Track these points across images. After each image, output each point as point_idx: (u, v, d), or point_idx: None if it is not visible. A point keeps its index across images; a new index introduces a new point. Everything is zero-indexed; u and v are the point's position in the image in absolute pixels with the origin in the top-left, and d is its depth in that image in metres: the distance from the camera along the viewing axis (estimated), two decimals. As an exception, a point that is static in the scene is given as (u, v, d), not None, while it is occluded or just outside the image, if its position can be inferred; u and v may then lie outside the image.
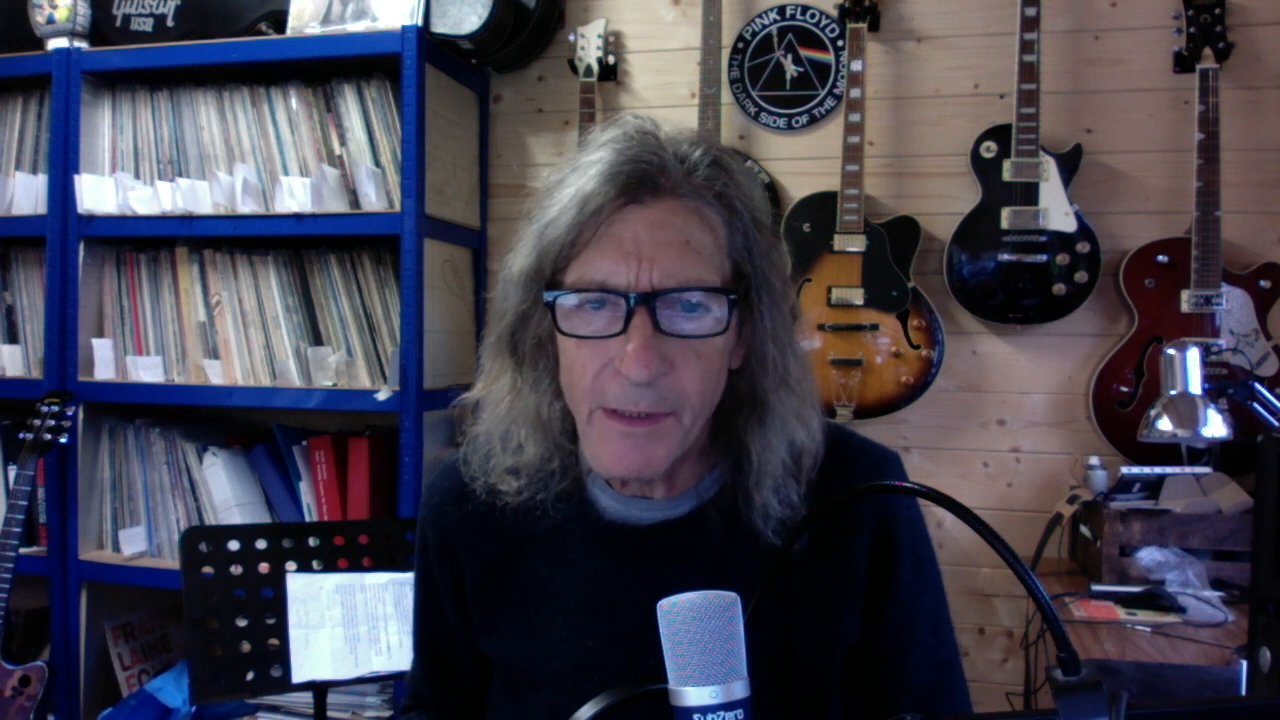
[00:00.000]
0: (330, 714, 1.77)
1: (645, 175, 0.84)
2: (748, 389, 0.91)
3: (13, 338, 2.55)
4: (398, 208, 2.24)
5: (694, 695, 0.61)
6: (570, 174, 0.87)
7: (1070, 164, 2.26)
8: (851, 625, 0.93)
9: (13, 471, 2.27)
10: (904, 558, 0.94)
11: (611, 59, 2.51)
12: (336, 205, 2.27)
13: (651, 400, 0.83)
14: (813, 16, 2.47)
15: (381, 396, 2.20)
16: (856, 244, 2.30)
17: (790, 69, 2.48)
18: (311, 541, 1.82)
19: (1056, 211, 2.24)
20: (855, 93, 2.31)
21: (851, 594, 0.93)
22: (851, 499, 0.92)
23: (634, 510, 0.95)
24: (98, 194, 2.37)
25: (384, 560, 1.85)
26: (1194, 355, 1.67)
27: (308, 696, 1.83)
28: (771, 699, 0.90)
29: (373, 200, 2.27)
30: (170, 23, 2.43)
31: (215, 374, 2.37)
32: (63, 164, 2.40)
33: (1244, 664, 1.46)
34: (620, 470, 0.87)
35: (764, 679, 0.90)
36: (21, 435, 2.27)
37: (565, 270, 0.86)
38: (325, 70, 2.34)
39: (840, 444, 0.97)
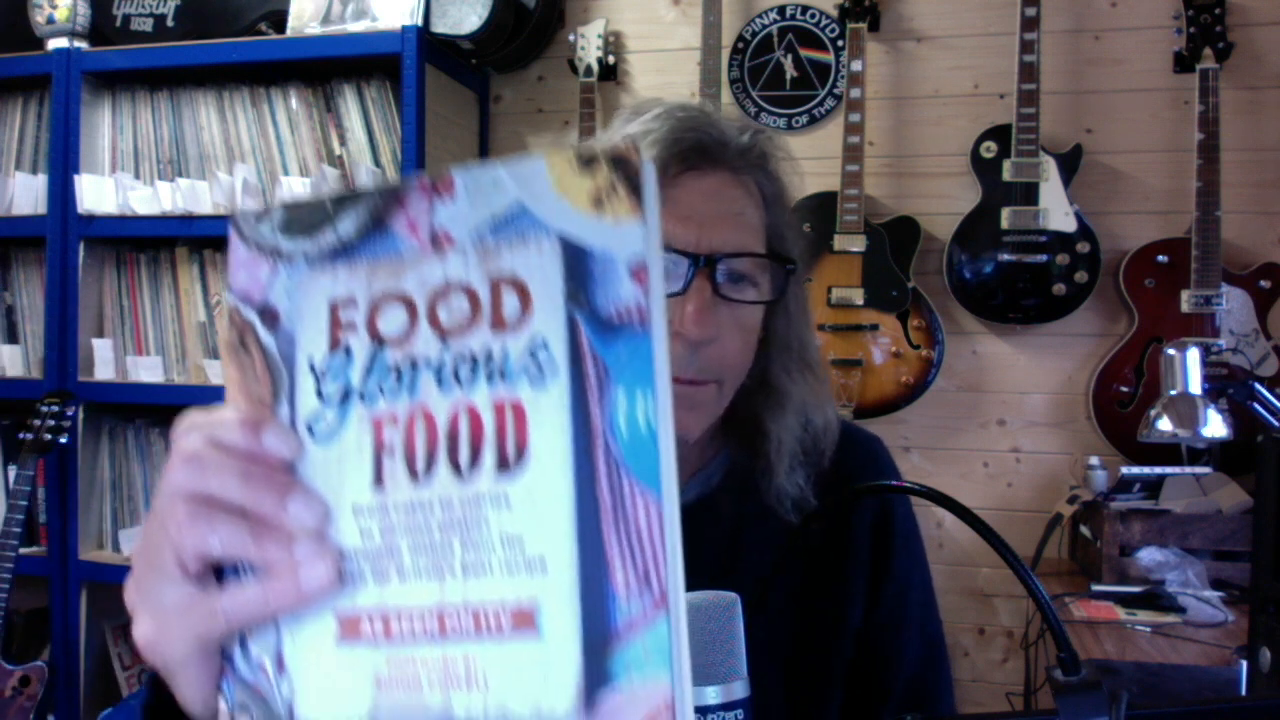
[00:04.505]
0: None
1: (706, 146, 0.85)
2: (769, 370, 0.92)
3: (13, 338, 2.55)
4: (398, 208, 2.24)
5: (694, 695, 0.61)
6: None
7: (1070, 164, 2.26)
8: (858, 606, 0.94)
9: (13, 471, 2.27)
10: (898, 535, 0.96)
11: (611, 59, 2.51)
12: (336, 205, 2.27)
13: (699, 366, 0.83)
14: (813, 16, 2.47)
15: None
16: (856, 244, 2.30)
17: (790, 69, 2.48)
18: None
19: (1056, 211, 2.24)
20: (855, 93, 2.31)
21: (858, 576, 0.94)
22: (856, 496, 0.93)
23: None
24: (98, 194, 2.37)
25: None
26: (1194, 355, 1.67)
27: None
28: (787, 687, 0.90)
29: (373, 200, 2.27)
30: (170, 23, 2.43)
31: (215, 374, 2.36)
32: (63, 164, 2.40)
33: (1244, 664, 1.46)
34: None
35: (780, 668, 0.90)
36: (21, 435, 2.27)
37: None
38: (325, 70, 2.34)
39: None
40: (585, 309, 0.42)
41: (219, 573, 0.46)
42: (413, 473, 0.44)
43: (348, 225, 0.46)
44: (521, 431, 0.42)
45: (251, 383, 0.47)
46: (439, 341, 0.44)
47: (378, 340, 0.45)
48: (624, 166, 0.42)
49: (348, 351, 0.46)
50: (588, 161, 0.42)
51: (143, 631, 0.46)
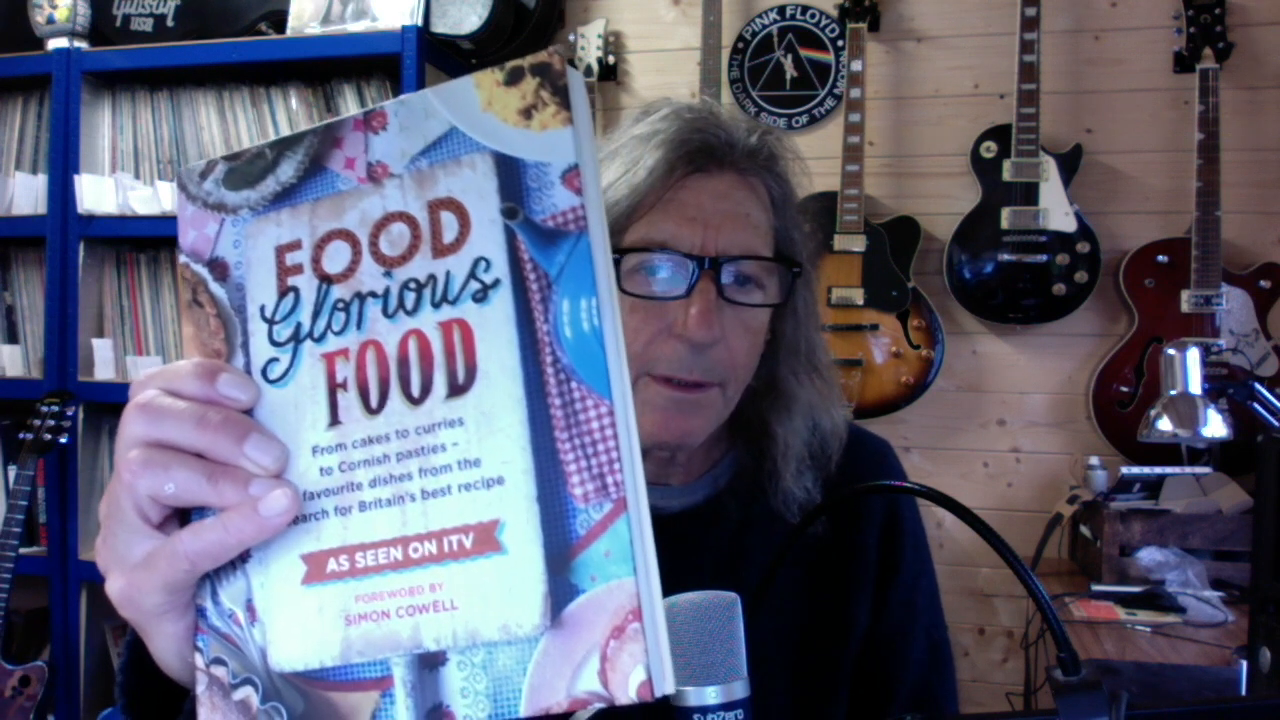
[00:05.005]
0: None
1: (712, 147, 0.84)
2: (776, 373, 0.92)
3: (13, 338, 2.55)
4: (398, 208, 2.24)
5: (694, 695, 0.61)
6: (625, 144, 0.87)
7: (1070, 164, 2.26)
8: (865, 610, 0.94)
9: (13, 471, 2.27)
10: (907, 539, 0.96)
11: (611, 59, 2.51)
12: (336, 205, 2.27)
13: (704, 368, 0.83)
14: (813, 16, 2.47)
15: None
16: (856, 244, 2.30)
17: (790, 69, 2.48)
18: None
19: (1056, 211, 2.24)
20: (855, 93, 2.31)
21: (866, 578, 0.94)
22: (858, 494, 0.93)
23: (651, 498, 0.94)
24: (98, 194, 2.37)
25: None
26: (1194, 355, 1.66)
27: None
28: (793, 688, 0.90)
29: (373, 200, 2.27)
30: (170, 23, 2.43)
31: (215, 374, 2.36)
32: (63, 164, 2.40)
33: (1244, 664, 1.46)
34: (664, 436, 0.85)
35: (786, 669, 0.90)
36: (21, 435, 2.27)
37: (623, 234, 0.84)
38: (325, 70, 2.34)
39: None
40: (522, 221, 0.42)
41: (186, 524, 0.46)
42: (367, 406, 0.44)
43: (287, 170, 0.47)
44: (470, 351, 0.42)
45: (207, 336, 0.48)
46: (383, 272, 0.45)
47: (324, 279, 0.46)
48: (549, 75, 0.42)
49: (296, 294, 0.46)
50: (514, 76, 0.43)
51: (115, 588, 0.46)
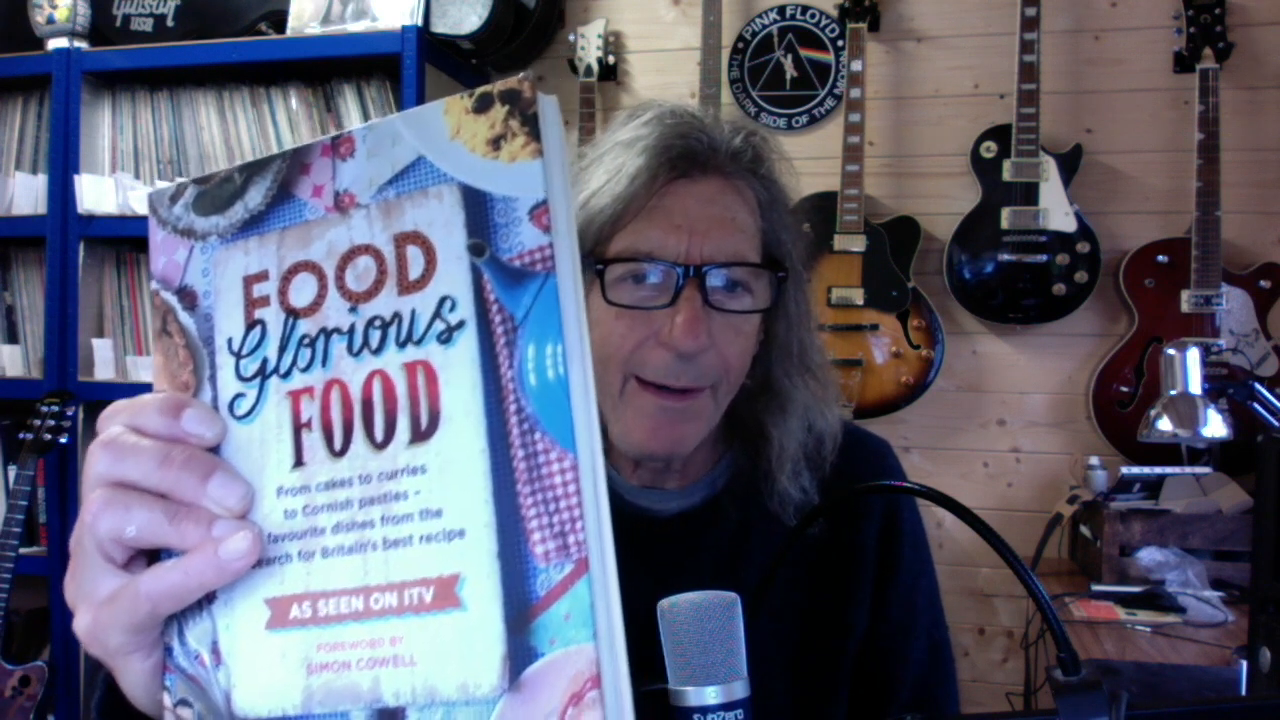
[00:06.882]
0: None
1: (695, 152, 0.84)
2: (770, 374, 0.91)
3: (13, 338, 2.55)
4: (398, 208, 2.24)
5: (694, 695, 0.61)
6: (609, 150, 0.86)
7: (1070, 164, 2.26)
8: (864, 610, 0.94)
9: (13, 471, 2.27)
10: (905, 540, 0.96)
11: (611, 59, 2.51)
12: (336, 205, 2.27)
13: (693, 375, 0.83)
14: (813, 16, 2.47)
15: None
16: (856, 244, 2.30)
17: (790, 69, 2.48)
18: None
19: (1056, 211, 2.24)
20: (855, 93, 2.31)
21: (865, 578, 0.94)
22: (858, 494, 0.93)
23: (647, 500, 0.94)
24: (98, 194, 2.37)
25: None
26: (1194, 355, 1.66)
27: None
28: (793, 688, 0.91)
29: (373, 200, 2.27)
30: (170, 23, 2.43)
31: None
32: (63, 164, 2.40)
33: (1244, 664, 1.46)
34: (653, 446, 0.85)
35: (787, 669, 0.91)
36: (21, 435, 2.27)
37: (608, 242, 0.84)
38: (325, 70, 2.34)
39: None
40: (488, 259, 0.40)
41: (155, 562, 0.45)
42: (331, 448, 0.43)
43: (256, 196, 0.46)
44: (434, 395, 0.40)
45: (175, 367, 0.47)
46: (349, 308, 0.43)
47: (291, 313, 0.44)
48: (518, 103, 0.40)
49: (263, 328, 0.45)
50: (483, 103, 0.40)
51: (81, 624, 0.45)
